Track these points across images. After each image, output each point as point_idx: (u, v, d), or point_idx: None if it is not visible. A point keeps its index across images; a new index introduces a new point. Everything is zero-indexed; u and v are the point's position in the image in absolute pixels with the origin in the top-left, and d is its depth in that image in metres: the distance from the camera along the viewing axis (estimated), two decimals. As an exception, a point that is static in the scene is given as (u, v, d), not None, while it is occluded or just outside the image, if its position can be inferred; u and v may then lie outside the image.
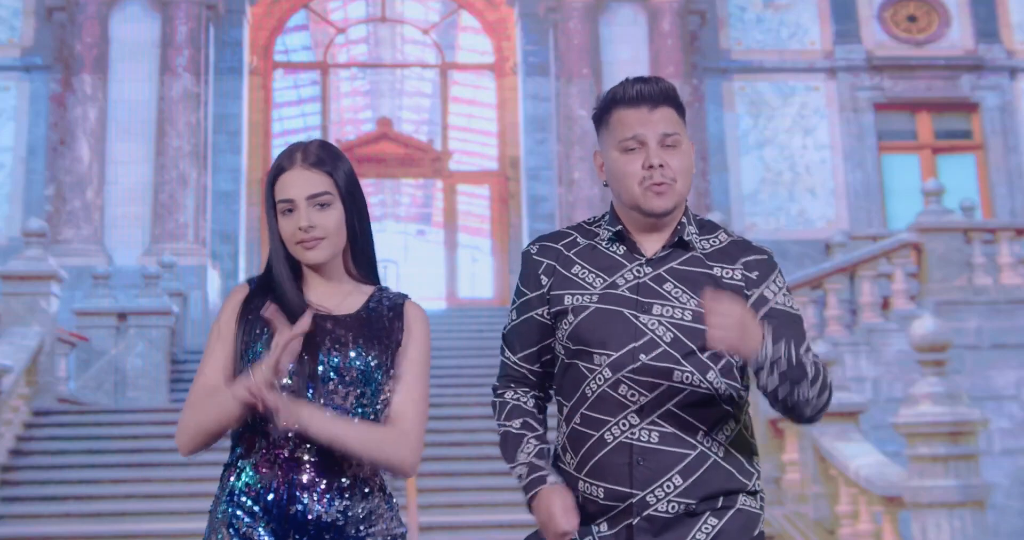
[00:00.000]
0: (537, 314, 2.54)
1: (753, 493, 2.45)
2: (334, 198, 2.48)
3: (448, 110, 19.71)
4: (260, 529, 2.40)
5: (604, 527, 2.41)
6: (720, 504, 2.40)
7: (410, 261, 23.30)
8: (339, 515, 2.39)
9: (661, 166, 2.44)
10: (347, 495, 2.40)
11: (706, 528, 2.38)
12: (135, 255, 15.10)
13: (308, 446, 2.38)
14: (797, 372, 2.33)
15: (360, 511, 2.41)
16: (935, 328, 7.25)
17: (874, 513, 7.57)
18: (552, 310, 2.51)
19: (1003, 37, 17.53)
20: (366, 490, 2.43)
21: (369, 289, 2.55)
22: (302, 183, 2.46)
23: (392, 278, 22.63)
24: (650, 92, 2.48)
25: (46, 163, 15.89)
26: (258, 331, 2.46)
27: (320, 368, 2.41)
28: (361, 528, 2.41)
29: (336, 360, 2.42)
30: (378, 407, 2.45)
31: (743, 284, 2.47)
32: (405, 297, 2.56)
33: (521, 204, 17.46)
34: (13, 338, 10.27)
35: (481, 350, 13.30)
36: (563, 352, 2.51)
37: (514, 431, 2.52)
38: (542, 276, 2.54)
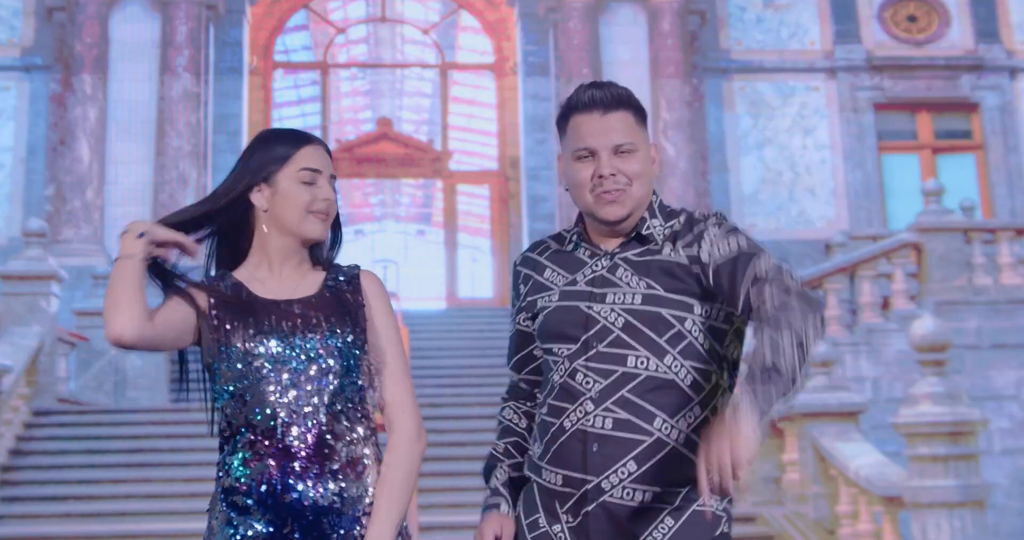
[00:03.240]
0: (517, 323, 2.64)
1: None
2: (335, 183, 2.59)
3: (448, 110, 19.71)
4: (255, 523, 2.39)
5: (570, 517, 2.42)
6: (679, 502, 2.38)
7: (410, 261, 23.32)
8: (336, 498, 2.39)
9: (612, 175, 2.47)
10: (341, 477, 2.40)
11: (662, 528, 2.37)
12: (135, 255, 15.08)
13: (297, 433, 2.39)
14: (782, 390, 2.22)
15: (355, 491, 2.41)
16: (935, 328, 7.24)
17: (874, 513, 7.57)
18: (529, 314, 2.59)
19: (1003, 37, 17.53)
20: (360, 469, 2.42)
21: (323, 271, 2.57)
22: (326, 160, 2.54)
23: (392, 278, 22.64)
24: (602, 97, 2.50)
25: (46, 163, 15.89)
26: (228, 327, 2.45)
27: (296, 353, 2.42)
28: (358, 509, 2.40)
29: (312, 343, 2.43)
30: (358, 382, 2.45)
31: (686, 262, 2.47)
32: (357, 268, 2.59)
33: (521, 204, 17.45)
34: (13, 338, 10.27)
35: (481, 350, 13.30)
36: (541, 351, 2.61)
37: (497, 454, 2.65)
38: (520, 285, 2.63)
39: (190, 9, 15.96)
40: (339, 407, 2.42)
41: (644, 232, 2.51)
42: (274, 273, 2.52)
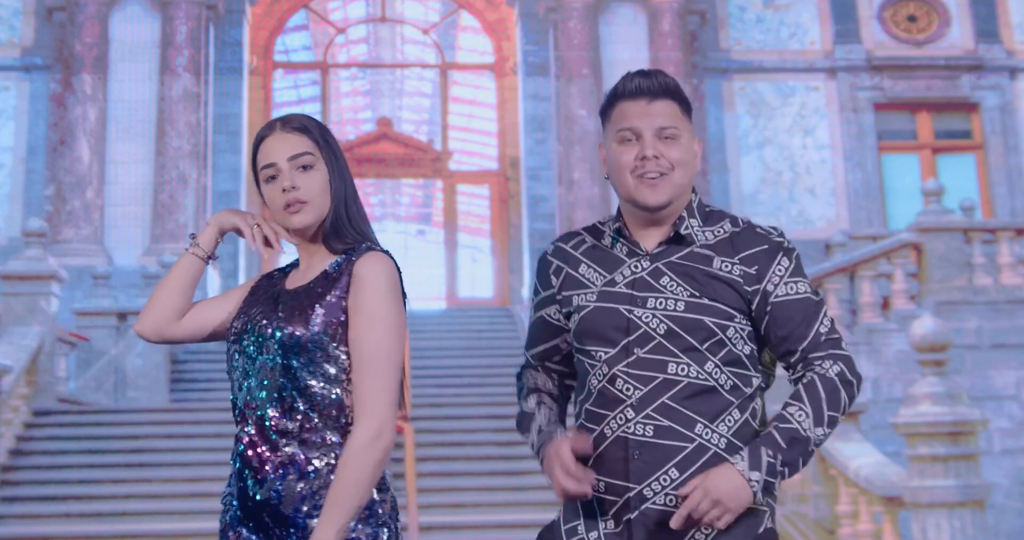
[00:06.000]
0: (546, 314, 2.60)
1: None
2: (316, 159, 2.44)
3: (448, 110, 19.70)
4: (227, 513, 2.40)
5: (611, 524, 2.40)
6: None
7: (410, 261, 23.27)
8: (272, 494, 2.31)
9: (656, 157, 2.46)
10: (282, 472, 2.31)
11: (705, 530, 2.35)
12: (135, 255, 15.09)
13: (247, 427, 2.36)
14: (799, 449, 2.38)
15: (300, 490, 2.30)
16: (935, 328, 7.24)
17: (874, 513, 7.57)
18: (563, 310, 2.55)
19: (1003, 37, 17.53)
20: (310, 469, 2.31)
21: (339, 255, 2.47)
22: (282, 146, 2.44)
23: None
24: (649, 85, 2.50)
25: (46, 163, 15.89)
26: (243, 311, 2.47)
27: (254, 343, 2.39)
28: (303, 509, 2.30)
29: (263, 336, 2.38)
30: (320, 378, 2.34)
31: (741, 280, 2.45)
32: (366, 249, 2.43)
33: (521, 204, 17.45)
34: (13, 338, 10.26)
35: (481, 350, 13.30)
36: (574, 350, 2.55)
37: (527, 410, 2.57)
38: (552, 276, 2.58)
39: (190, 9, 15.96)
40: (287, 404, 2.33)
41: (683, 232, 2.49)
42: (310, 264, 2.49)
